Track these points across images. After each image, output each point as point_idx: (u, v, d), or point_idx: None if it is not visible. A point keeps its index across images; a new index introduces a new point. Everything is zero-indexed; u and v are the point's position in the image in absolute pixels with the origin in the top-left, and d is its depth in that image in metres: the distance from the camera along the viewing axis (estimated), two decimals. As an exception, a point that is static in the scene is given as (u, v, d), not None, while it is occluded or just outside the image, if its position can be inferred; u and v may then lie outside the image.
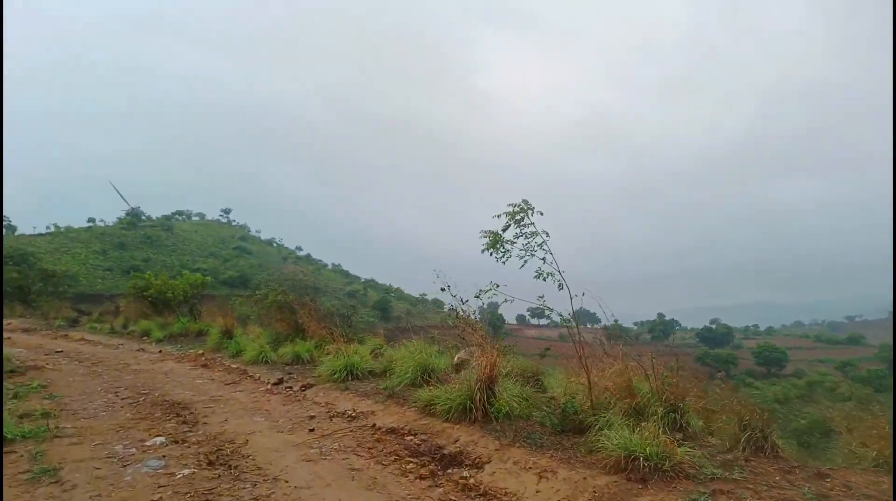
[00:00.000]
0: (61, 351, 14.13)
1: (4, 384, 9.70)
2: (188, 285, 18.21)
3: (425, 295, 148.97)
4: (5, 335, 19.03)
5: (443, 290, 8.03)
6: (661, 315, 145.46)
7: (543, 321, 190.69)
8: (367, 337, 12.59)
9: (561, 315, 7.49)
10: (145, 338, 16.64)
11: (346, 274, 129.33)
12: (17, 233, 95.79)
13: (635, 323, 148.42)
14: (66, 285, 36.26)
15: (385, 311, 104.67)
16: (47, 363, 11.75)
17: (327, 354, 10.60)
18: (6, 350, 12.29)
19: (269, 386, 9.75)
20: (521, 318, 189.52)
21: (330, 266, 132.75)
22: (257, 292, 14.91)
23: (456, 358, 9.06)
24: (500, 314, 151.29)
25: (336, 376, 9.56)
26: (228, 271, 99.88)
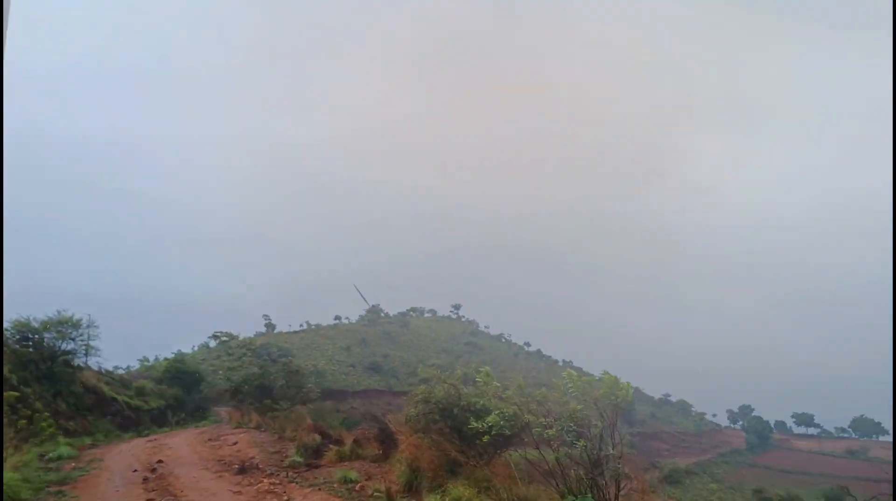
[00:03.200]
0: None
1: None
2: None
3: (669, 396, 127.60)
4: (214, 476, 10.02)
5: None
6: None
7: (812, 430, 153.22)
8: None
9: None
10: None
11: (580, 370, 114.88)
12: (276, 330, 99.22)
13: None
14: (312, 383, 28.77)
15: (628, 413, 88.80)
16: None
17: None
18: None
19: None
20: (780, 425, 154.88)
21: (561, 363, 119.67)
22: None
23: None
24: (767, 422, 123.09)
25: None
26: (462, 367, 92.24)
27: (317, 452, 12.13)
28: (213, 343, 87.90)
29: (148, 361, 70.18)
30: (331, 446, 12.30)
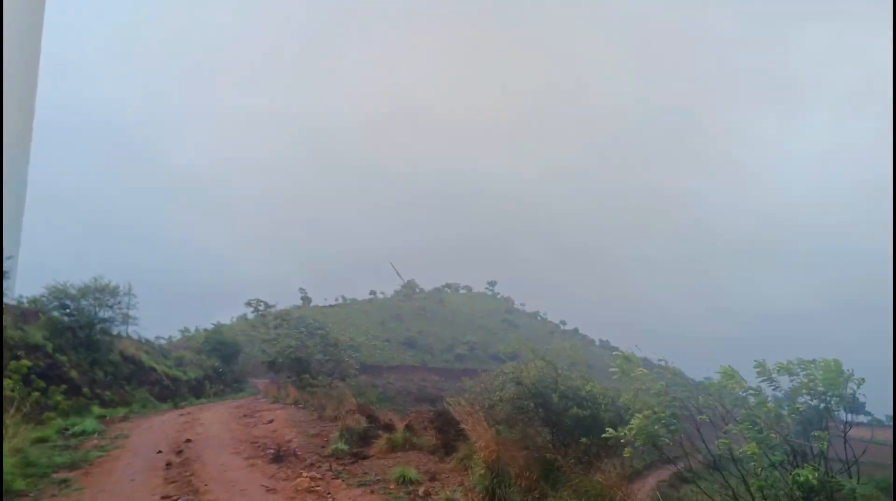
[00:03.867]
0: None
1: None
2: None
3: (710, 378, 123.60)
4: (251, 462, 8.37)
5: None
6: None
7: (862, 417, 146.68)
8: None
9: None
10: None
11: (616, 350, 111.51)
12: (311, 304, 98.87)
13: None
14: (350, 358, 27.18)
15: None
16: None
17: None
18: None
19: None
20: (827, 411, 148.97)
21: (598, 343, 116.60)
22: None
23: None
24: (814, 408, 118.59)
25: None
26: (498, 344, 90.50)
27: (363, 438, 10.32)
28: (249, 313, 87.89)
29: (189, 331, 70.00)
30: (380, 432, 10.47)
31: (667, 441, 5.45)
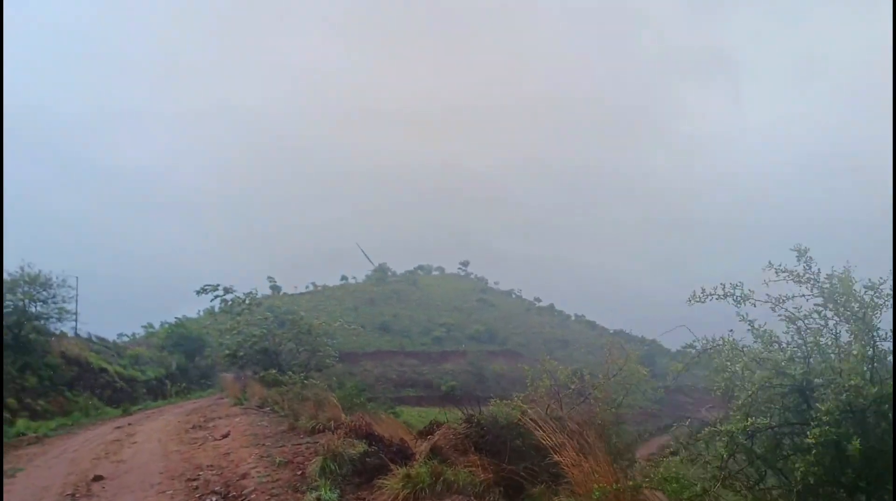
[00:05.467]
0: None
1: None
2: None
3: (690, 347, 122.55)
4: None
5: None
6: None
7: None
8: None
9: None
10: None
11: (593, 325, 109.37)
12: (281, 293, 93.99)
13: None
14: (326, 345, 22.96)
15: (651, 366, 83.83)
16: None
17: None
18: None
19: None
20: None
21: (573, 317, 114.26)
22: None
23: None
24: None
25: None
26: (474, 324, 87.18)
27: (361, 472, 6.26)
28: (216, 303, 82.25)
29: (152, 327, 64.38)
30: (387, 459, 6.28)
31: None
